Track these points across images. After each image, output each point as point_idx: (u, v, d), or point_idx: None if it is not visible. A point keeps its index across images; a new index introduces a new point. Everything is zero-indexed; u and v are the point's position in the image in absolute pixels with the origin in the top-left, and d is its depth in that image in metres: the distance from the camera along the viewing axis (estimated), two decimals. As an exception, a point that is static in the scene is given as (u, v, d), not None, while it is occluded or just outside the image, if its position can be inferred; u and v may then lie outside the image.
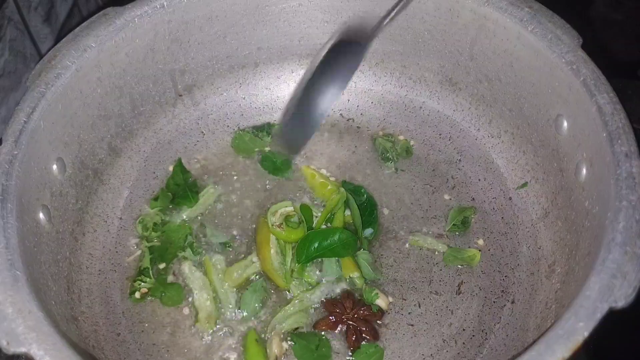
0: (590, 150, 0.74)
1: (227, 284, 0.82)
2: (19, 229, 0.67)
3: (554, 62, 0.78)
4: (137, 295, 0.83)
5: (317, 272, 0.83)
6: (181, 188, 0.92)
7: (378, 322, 0.80)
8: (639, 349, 0.81)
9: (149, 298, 0.83)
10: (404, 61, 0.98)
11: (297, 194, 0.92)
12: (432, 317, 0.81)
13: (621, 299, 0.58)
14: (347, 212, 0.88)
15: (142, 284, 0.83)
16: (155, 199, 0.91)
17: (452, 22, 0.90)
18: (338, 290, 0.82)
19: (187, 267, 0.85)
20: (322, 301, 0.81)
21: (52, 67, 0.79)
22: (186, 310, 0.82)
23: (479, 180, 0.92)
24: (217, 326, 0.80)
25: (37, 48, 0.96)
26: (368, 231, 0.86)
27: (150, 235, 0.88)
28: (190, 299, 0.83)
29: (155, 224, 0.88)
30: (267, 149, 0.97)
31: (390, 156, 0.95)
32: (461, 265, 0.85)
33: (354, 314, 0.79)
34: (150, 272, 0.84)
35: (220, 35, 0.94)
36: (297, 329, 0.79)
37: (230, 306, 0.81)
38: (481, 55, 0.90)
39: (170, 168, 0.95)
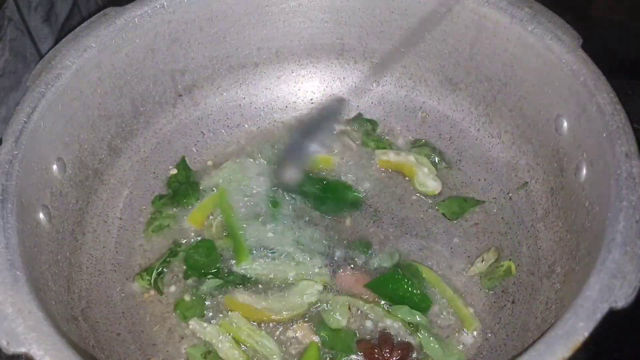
0: (590, 150, 0.74)
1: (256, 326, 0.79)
2: (19, 229, 0.67)
3: (554, 62, 0.78)
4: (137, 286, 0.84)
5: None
6: (183, 186, 0.92)
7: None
8: (639, 349, 0.81)
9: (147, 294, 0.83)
10: (404, 61, 0.98)
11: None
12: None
13: (621, 299, 0.58)
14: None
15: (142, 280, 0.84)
16: (160, 197, 0.92)
17: (452, 22, 0.90)
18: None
19: (196, 325, 0.79)
20: (357, 342, 0.77)
21: (52, 67, 0.79)
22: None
23: (479, 180, 0.92)
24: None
25: (37, 48, 0.96)
26: None
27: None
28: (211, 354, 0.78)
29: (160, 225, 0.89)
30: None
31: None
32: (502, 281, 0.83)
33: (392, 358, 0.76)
34: (155, 273, 0.84)
35: (220, 35, 0.94)
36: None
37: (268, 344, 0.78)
38: (481, 55, 0.90)
39: (171, 167, 0.95)
